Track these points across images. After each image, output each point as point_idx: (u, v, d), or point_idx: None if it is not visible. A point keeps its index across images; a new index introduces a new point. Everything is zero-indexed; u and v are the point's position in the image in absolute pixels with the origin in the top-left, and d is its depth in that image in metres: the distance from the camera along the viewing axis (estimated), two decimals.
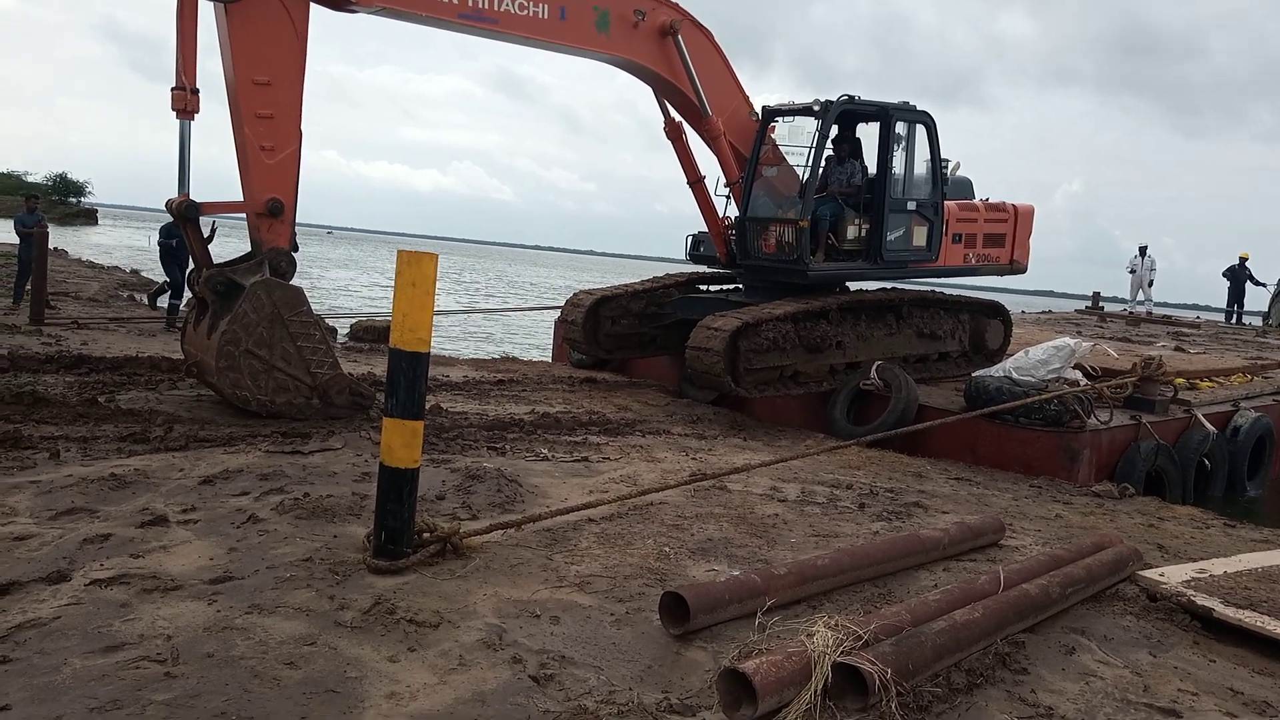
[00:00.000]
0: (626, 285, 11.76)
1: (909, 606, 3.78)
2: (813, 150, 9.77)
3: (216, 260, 7.84)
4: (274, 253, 7.41)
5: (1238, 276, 24.70)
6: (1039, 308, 23.67)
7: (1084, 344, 9.55)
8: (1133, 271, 24.60)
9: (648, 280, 12.01)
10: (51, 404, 7.08)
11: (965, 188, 11.54)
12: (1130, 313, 23.35)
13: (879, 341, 10.45)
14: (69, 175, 65.62)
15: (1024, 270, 12.08)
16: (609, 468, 6.63)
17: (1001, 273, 11.96)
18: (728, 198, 10.74)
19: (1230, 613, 4.29)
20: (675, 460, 7.13)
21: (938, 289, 11.68)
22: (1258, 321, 24.71)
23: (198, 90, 7.29)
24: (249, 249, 7.55)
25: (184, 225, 7.65)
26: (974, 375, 9.30)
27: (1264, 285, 24.80)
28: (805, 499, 6.23)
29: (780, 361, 9.52)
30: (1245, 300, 24.83)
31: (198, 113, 7.35)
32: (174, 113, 7.29)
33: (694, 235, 11.74)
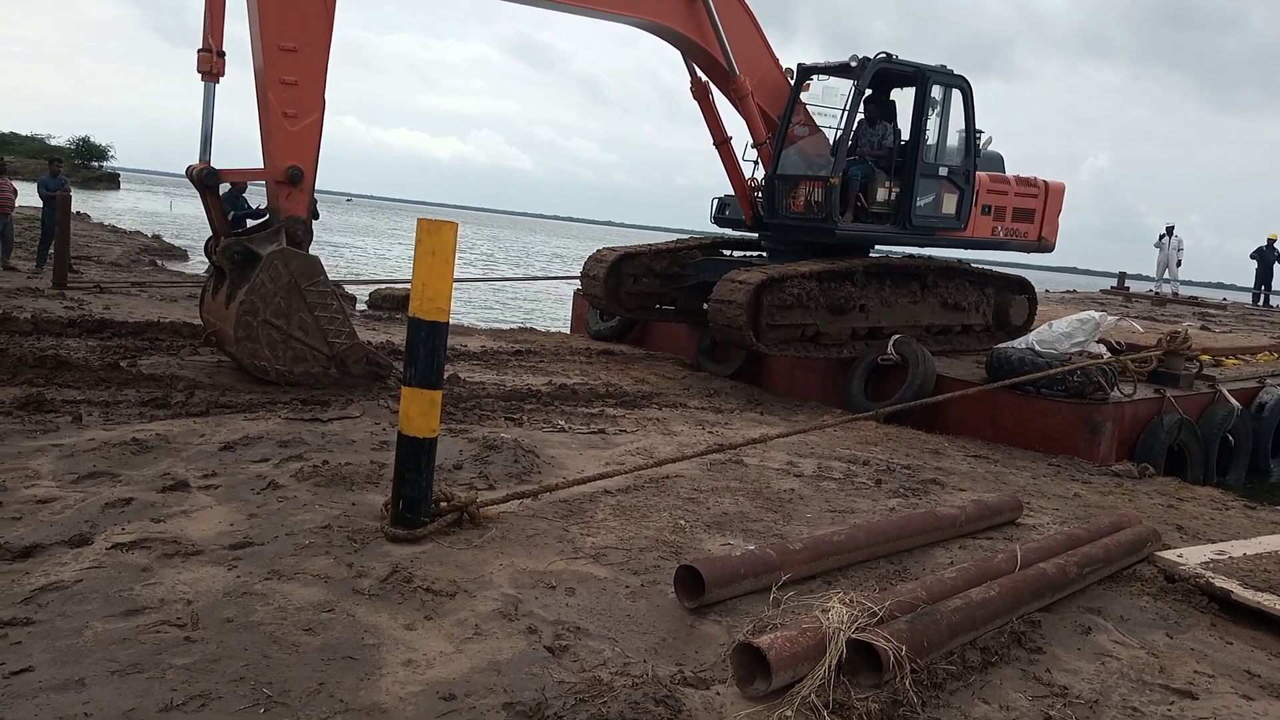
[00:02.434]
0: (650, 244, 11.70)
1: (925, 584, 3.77)
2: (847, 108, 9.64)
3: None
4: (291, 221, 7.39)
5: (1266, 258, 24.32)
6: (1063, 285, 23.48)
7: (1109, 317, 9.45)
8: (1160, 249, 24.29)
9: (671, 241, 11.95)
10: (74, 368, 7.15)
11: (996, 163, 11.39)
12: (1156, 293, 23.10)
13: (903, 308, 10.37)
14: (92, 139, 65.95)
15: (1051, 249, 11.93)
16: (625, 440, 6.64)
17: (1028, 249, 11.82)
18: (755, 162, 10.65)
19: (1249, 595, 4.27)
20: (692, 434, 7.12)
21: (964, 261, 11.58)
22: None
23: (224, 53, 7.27)
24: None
25: (203, 192, 7.63)
26: (997, 347, 9.24)
27: None
28: (821, 474, 6.22)
29: (803, 320, 9.47)
30: (1274, 282, 24.46)
31: (223, 75, 7.33)
32: (199, 74, 7.28)
33: (719, 198, 11.67)
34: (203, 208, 7.75)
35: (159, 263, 19.03)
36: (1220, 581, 4.39)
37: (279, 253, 7.24)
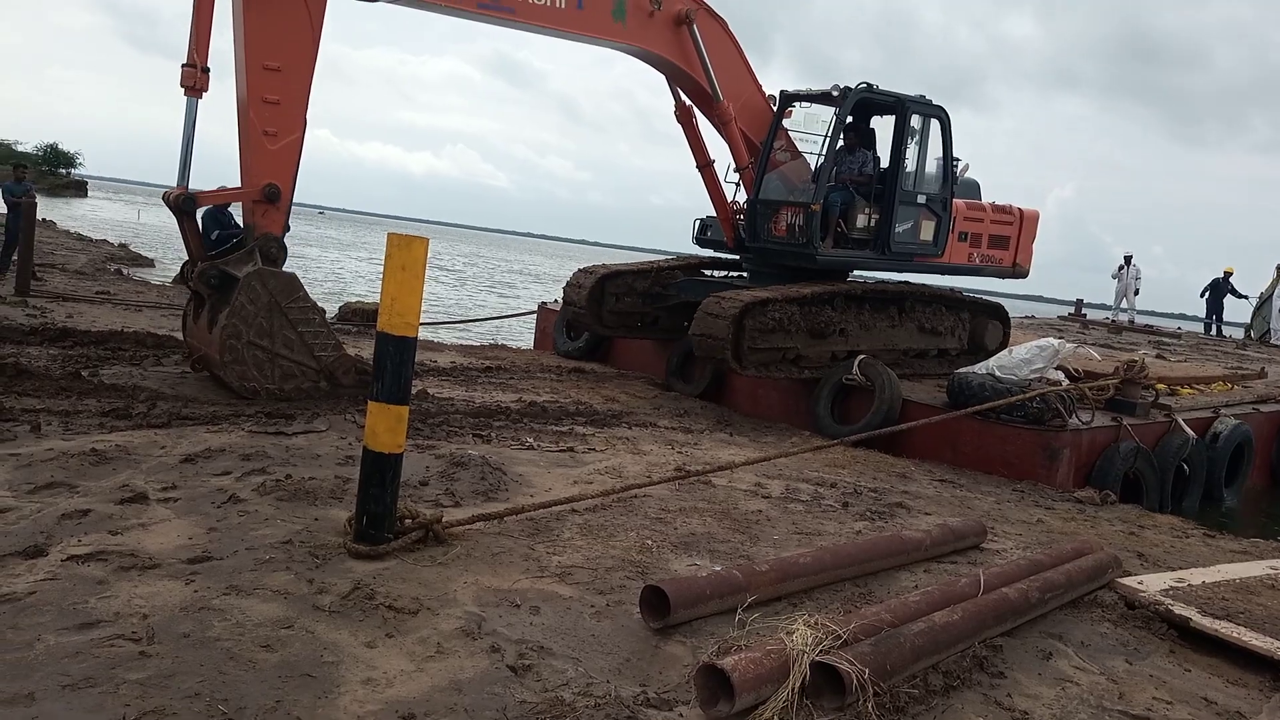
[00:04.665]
0: (632, 264, 11.79)
1: (889, 607, 3.78)
2: (829, 135, 9.80)
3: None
4: (265, 239, 7.38)
5: (1219, 290, 24.84)
6: (1024, 312, 23.76)
7: (1067, 345, 9.58)
8: (1117, 278, 24.78)
9: (653, 260, 12.06)
10: (34, 376, 7.02)
11: (973, 189, 11.58)
12: (1113, 321, 23.50)
13: (881, 332, 10.49)
14: (60, 146, 64.92)
15: (1026, 275, 12.11)
16: (594, 459, 6.62)
17: (1004, 275, 11.99)
18: (737, 184, 10.78)
19: (1207, 623, 4.32)
20: (661, 453, 7.12)
21: (953, 287, 11.76)
22: (1238, 334, 24.87)
23: (208, 69, 7.21)
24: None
25: (180, 218, 7.52)
26: (957, 372, 9.31)
27: (1246, 298, 24.98)
28: (789, 496, 6.23)
29: (784, 343, 9.57)
30: (1225, 313, 25.01)
31: (205, 91, 7.27)
32: (182, 89, 7.21)
33: (701, 220, 11.79)
34: (179, 230, 7.62)
35: (125, 271, 18.78)
36: (1179, 609, 4.45)
37: (256, 273, 7.23)
